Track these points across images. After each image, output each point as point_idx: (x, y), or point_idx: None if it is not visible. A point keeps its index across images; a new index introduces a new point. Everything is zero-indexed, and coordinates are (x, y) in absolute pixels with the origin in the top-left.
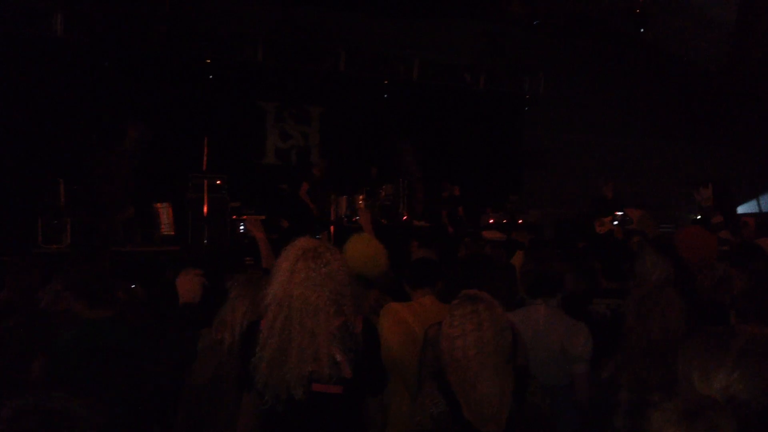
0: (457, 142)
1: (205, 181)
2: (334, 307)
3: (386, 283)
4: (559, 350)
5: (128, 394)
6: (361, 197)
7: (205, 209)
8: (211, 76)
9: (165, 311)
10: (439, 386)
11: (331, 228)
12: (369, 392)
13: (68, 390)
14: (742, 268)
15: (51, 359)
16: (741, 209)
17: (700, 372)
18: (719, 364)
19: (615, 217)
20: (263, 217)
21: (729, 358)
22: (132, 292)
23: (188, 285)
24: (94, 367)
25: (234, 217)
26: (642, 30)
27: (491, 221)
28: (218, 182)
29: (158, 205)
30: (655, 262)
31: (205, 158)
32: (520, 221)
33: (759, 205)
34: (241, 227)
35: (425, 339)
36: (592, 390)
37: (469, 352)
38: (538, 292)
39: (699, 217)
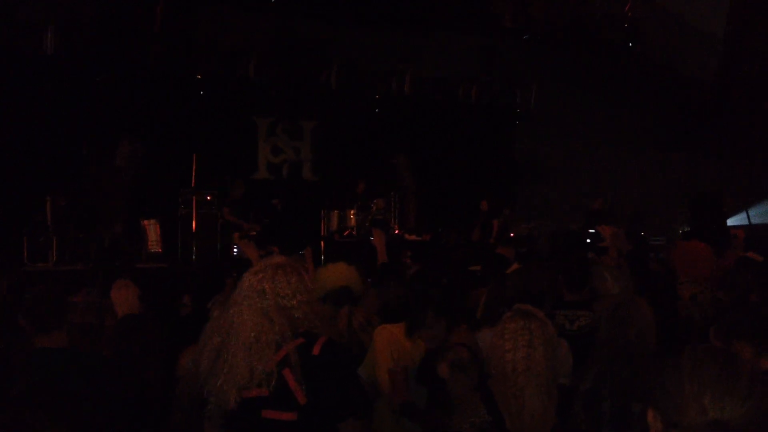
0: (450, 156)
1: (194, 198)
2: (285, 325)
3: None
4: None
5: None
6: (352, 212)
7: (194, 225)
8: (202, 92)
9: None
10: (482, 396)
11: (321, 243)
12: (350, 415)
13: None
14: (728, 283)
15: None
16: (731, 222)
17: (712, 395)
18: (732, 390)
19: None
20: (253, 233)
21: (741, 385)
22: (86, 313)
23: (123, 297)
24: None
25: (236, 236)
26: (631, 44)
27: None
28: (208, 198)
29: (146, 221)
30: (614, 276)
31: (194, 174)
32: (512, 235)
33: (749, 217)
34: (235, 250)
35: None
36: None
37: (518, 367)
38: None
39: (688, 229)
